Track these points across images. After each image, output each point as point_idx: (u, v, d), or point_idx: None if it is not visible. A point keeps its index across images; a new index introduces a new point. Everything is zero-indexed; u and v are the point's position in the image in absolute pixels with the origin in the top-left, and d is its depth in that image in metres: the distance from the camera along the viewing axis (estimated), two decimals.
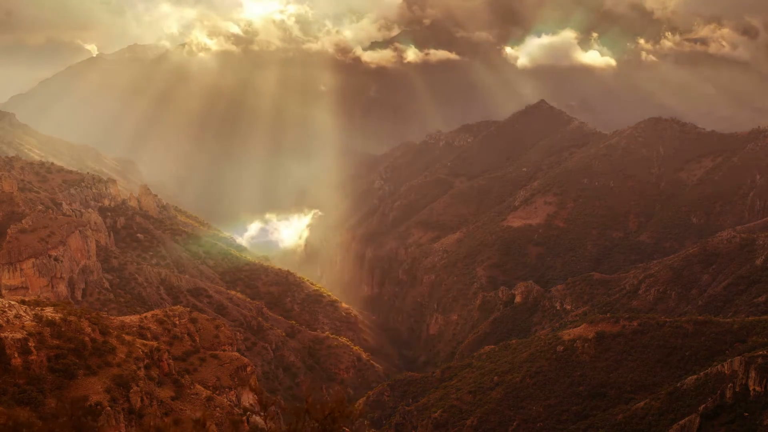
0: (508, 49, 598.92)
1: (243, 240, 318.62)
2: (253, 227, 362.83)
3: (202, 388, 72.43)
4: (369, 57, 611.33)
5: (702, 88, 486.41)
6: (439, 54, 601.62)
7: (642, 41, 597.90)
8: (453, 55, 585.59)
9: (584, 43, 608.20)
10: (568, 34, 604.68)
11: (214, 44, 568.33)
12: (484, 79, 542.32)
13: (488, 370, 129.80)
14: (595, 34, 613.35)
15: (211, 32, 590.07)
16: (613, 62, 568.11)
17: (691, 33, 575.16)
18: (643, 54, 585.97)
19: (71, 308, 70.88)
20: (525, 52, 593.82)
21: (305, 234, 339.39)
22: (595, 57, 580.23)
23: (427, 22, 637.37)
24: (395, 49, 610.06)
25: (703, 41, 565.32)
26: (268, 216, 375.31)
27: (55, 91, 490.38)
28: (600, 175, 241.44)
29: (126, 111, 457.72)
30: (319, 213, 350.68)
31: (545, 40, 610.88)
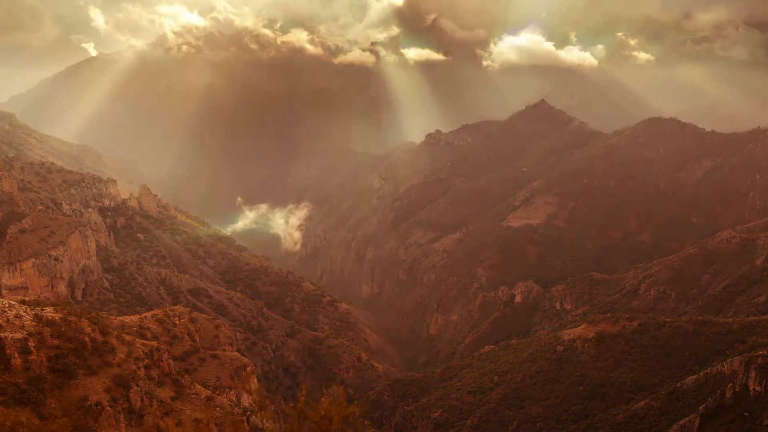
0: (504, 49, 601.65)
1: (239, 225, 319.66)
2: (249, 220, 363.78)
3: (202, 388, 72.48)
4: (368, 57, 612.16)
5: (696, 87, 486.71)
6: (437, 54, 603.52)
7: (622, 36, 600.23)
8: (449, 57, 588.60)
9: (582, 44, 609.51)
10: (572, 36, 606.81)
11: (212, 44, 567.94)
12: (482, 79, 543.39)
13: (488, 370, 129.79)
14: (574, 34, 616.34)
15: (207, 33, 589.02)
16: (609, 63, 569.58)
17: (689, 33, 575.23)
18: (631, 52, 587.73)
19: (71, 308, 70.98)
20: (521, 52, 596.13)
21: (300, 233, 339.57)
22: (594, 57, 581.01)
23: (427, 22, 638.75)
24: (395, 49, 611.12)
25: (700, 40, 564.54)
26: (263, 210, 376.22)
27: (55, 91, 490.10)
28: (600, 175, 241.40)
29: (125, 110, 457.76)
30: (317, 212, 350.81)
31: (543, 39, 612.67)
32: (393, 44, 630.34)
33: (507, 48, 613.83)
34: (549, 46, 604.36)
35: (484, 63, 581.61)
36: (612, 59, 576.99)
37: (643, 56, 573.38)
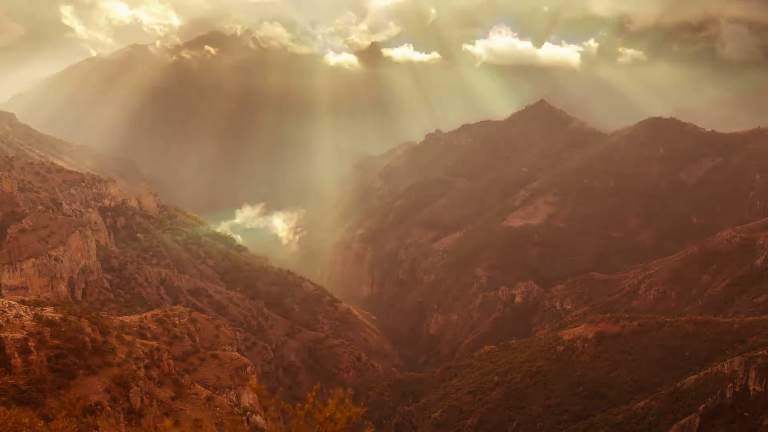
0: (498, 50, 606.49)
1: (239, 225, 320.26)
2: (249, 220, 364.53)
3: (202, 388, 72.43)
4: (369, 57, 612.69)
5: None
6: (436, 55, 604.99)
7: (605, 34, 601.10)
8: (443, 57, 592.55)
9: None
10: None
11: (210, 45, 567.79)
12: (481, 81, 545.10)
13: (488, 370, 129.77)
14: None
15: (205, 33, 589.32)
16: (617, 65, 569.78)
17: (687, 32, 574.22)
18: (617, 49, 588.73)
19: (71, 308, 70.93)
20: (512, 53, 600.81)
21: (300, 233, 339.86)
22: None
23: (426, 23, 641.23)
24: (395, 50, 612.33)
25: (697, 40, 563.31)
26: (263, 210, 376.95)
27: (55, 91, 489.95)
28: (600, 175, 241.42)
29: (126, 110, 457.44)
30: (317, 212, 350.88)
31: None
32: (393, 44, 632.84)
33: (498, 48, 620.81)
34: (540, 45, 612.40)
35: (477, 63, 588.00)
36: (599, 57, 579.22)
37: (629, 53, 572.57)
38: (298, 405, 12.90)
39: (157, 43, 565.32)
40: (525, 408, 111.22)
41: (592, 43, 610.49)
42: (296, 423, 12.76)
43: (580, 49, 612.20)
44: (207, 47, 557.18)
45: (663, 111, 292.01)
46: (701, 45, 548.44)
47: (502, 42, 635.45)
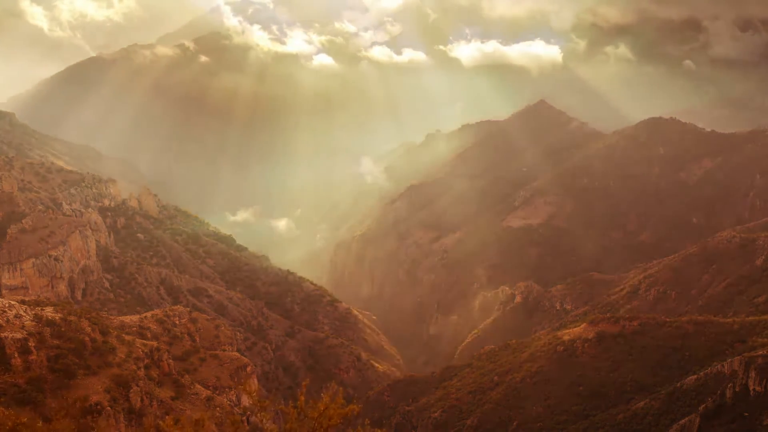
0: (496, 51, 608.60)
1: (239, 225, 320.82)
2: (249, 220, 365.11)
3: (202, 388, 72.46)
4: (369, 57, 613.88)
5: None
6: (434, 55, 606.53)
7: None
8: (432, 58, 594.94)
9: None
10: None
11: (209, 46, 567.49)
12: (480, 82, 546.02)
13: (488, 370, 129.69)
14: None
15: (204, 34, 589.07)
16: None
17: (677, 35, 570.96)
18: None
19: (71, 308, 71.02)
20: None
21: (300, 233, 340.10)
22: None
23: (428, 21, 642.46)
24: (395, 49, 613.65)
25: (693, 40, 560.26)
26: (263, 210, 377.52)
27: (55, 91, 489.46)
28: (600, 175, 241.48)
29: (125, 110, 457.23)
30: (317, 212, 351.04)
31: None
32: (392, 45, 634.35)
33: (495, 48, 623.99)
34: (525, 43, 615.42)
35: (474, 63, 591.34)
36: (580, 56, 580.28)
37: (612, 52, 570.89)
38: (291, 403, 12.94)
39: (155, 43, 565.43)
40: (525, 408, 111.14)
41: (576, 39, 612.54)
42: (291, 421, 12.81)
43: (572, 47, 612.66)
44: (203, 48, 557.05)
45: (659, 112, 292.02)
46: (695, 45, 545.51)
47: (498, 44, 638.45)
